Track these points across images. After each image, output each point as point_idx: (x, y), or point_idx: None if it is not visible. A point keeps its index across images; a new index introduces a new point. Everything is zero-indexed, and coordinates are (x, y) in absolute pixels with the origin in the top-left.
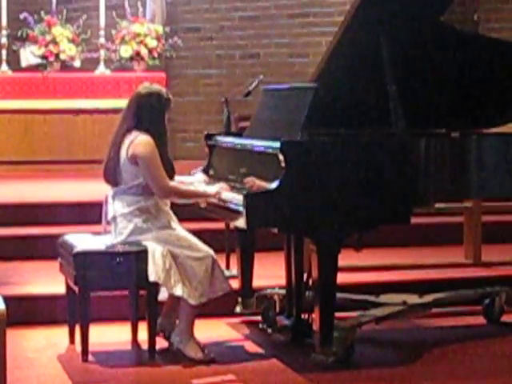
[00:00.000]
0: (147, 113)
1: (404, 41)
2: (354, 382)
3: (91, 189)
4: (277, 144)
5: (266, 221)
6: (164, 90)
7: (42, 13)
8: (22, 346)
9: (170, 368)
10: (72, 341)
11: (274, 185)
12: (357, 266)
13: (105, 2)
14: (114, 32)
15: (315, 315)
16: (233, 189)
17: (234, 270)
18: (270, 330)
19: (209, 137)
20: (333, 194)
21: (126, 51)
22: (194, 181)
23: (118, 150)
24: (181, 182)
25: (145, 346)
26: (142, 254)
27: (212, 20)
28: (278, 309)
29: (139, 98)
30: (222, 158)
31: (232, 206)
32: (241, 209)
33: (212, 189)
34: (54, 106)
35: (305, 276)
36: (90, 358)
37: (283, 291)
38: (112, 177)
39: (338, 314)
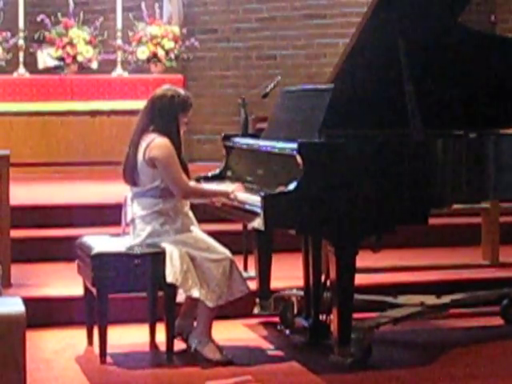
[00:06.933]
0: (159, 113)
1: (421, 41)
2: (371, 383)
3: (108, 190)
4: (294, 145)
5: (283, 222)
6: (182, 93)
7: (59, 15)
8: (40, 347)
9: (187, 370)
10: (90, 342)
11: (291, 186)
12: (374, 267)
13: (122, 3)
14: (130, 34)
15: (333, 316)
16: (250, 190)
17: (252, 271)
18: (287, 332)
19: (226, 138)
20: (350, 196)
21: (143, 53)
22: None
23: (135, 149)
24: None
25: (163, 347)
26: (159, 256)
27: (229, 21)
28: (295, 310)
29: (153, 99)
30: (239, 160)
31: (249, 207)
32: (258, 210)
33: (230, 187)
34: (71, 108)
35: (323, 277)
36: (108, 359)
37: (301, 292)
38: (130, 177)
39: (355, 315)
